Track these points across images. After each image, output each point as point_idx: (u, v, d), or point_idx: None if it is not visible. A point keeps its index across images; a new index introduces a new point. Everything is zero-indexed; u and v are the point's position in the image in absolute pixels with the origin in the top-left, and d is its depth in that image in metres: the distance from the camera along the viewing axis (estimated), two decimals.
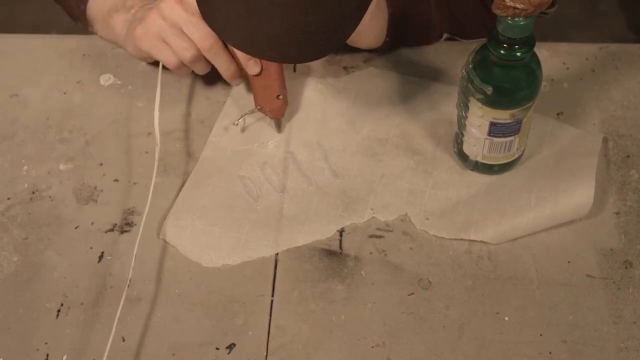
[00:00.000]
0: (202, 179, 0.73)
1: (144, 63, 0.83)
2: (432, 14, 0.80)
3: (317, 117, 0.77)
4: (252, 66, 0.70)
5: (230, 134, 0.76)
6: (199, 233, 0.69)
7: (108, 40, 0.81)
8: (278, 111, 0.74)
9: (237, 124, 0.75)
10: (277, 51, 0.60)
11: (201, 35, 0.68)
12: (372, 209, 0.70)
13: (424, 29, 0.82)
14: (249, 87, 0.76)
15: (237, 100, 0.79)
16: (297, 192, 0.72)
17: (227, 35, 0.63)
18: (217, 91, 0.80)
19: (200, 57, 0.70)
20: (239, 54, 0.70)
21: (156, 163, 0.70)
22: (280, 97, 0.73)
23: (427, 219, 0.69)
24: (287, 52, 0.60)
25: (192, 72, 0.73)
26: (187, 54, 0.69)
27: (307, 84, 0.79)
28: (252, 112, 0.74)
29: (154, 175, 0.69)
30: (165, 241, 0.69)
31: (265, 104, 0.73)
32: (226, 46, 0.70)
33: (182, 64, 0.71)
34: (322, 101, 0.78)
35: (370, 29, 0.76)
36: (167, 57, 0.70)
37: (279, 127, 0.76)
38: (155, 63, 0.75)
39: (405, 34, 0.81)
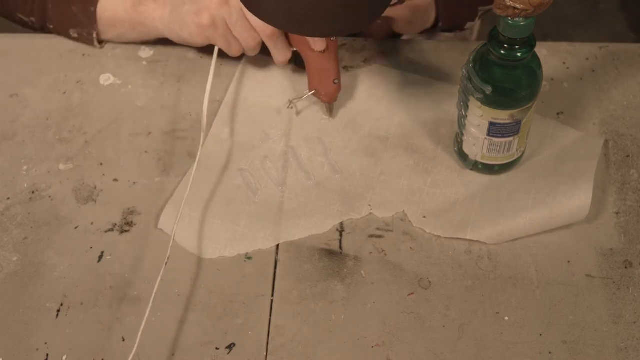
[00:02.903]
0: (202, 171, 0.73)
1: (144, 62, 0.83)
2: None
3: (318, 113, 0.77)
4: (318, 42, 0.70)
5: (232, 128, 0.76)
6: (197, 224, 0.69)
7: (133, 38, 0.81)
8: (333, 95, 0.75)
9: (291, 107, 0.77)
10: (328, 25, 0.60)
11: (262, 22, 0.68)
12: (369, 205, 0.70)
13: (468, 8, 0.83)
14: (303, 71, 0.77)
15: (237, 96, 0.79)
16: (296, 187, 0.72)
17: (272, 17, 0.63)
18: (217, 91, 0.80)
19: (262, 44, 0.71)
20: None
21: (199, 153, 0.72)
22: (337, 81, 0.74)
23: (424, 217, 0.69)
24: (336, 23, 0.60)
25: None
26: (253, 43, 0.71)
27: None
28: (306, 95, 0.75)
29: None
30: (164, 238, 0.68)
31: (320, 88, 0.74)
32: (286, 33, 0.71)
33: (243, 51, 0.72)
34: None
35: (424, 19, 0.76)
36: (232, 47, 0.72)
37: (331, 111, 0.77)
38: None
39: (453, 16, 0.83)
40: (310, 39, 0.70)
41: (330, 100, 0.76)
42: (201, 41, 0.74)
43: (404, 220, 0.69)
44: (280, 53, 0.72)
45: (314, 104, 0.78)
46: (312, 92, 0.75)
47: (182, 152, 0.75)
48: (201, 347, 0.62)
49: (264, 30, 0.69)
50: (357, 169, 0.73)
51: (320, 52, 0.71)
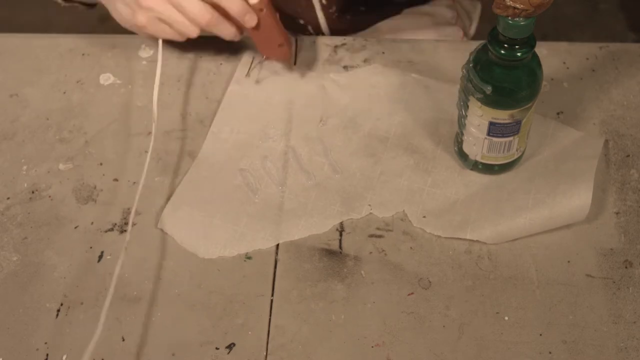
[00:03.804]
0: (202, 171, 0.73)
1: (144, 62, 0.83)
2: None
3: (318, 113, 0.77)
4: (249, 20, 0.72)
5: (231, 128, 0.76)
6: (197, 224, 0.69)
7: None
8: (284, 57, 0.77)
9: (248, 75, 0.78)
10: None
11: (197, 12, 0.69)
12: (369, 205, 0.70)
13: None
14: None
15: (236, 96, 0.79)
16: (296, 187, 0.72)
17: None
18: (217, 91, 0.80)
19: (202, 29, 0.72)
20: (235, 11, 0.71)
21: (150, 149, 0.72)
22: (283, 45, 0.75)
23: (424, 217, 0.69)
24: None
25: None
26: (192, 31, 0.71)
27: (309, 79, 0.80)
28: (260, 62, 0.77)
29: (148, 157, 0.70)
30: (164, 237, 0.68)
31: (270, 54, 0.76)
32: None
33: (187, 38, 0.73)
34: (324, 97, 0.78)
35: None
36: (173, 36, 0.73)
37: (289, 65, 0.79)
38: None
39: None
40: (240, 18, 0.71)
41: (284, 61, 0.78)
42: (146, 36, 0.75)
43: (404, 220, 0.69)
44: (224, 34, 0.73)
45: (312, 104, 0.78)
46: (265, 58, 0.77)
47: (182, 152, 0.75)
48: (201, 347, 0.62)
49: (200, 21, 0.70)
50: (357, 169, 0.73)
51: (256, 19, 0.72)
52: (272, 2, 0.73)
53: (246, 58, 0.81)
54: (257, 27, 0.73)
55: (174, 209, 0.70)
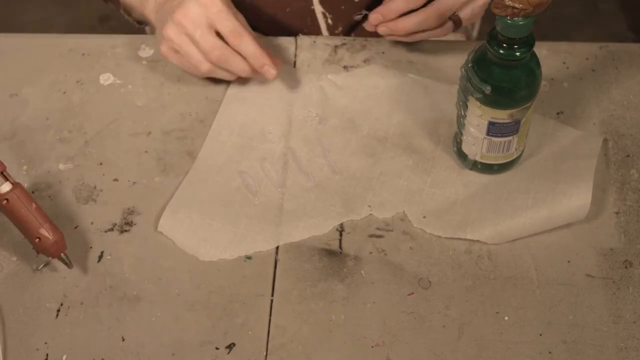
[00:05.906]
0: (202, 173, 0.73)
1: (144, 62, 0.83)
2: None
3: (317, 113, 0.77)
4: (267, 71, 0.73)
5: (230, 130, 0.76)
6: (197, 227, 0.69)
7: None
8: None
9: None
10: None
11: (207, 48, 0.72)
12: (369, 206, 0.70)
13: None
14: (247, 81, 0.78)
15: (236, 98, 0.79)
16: (296, 188, 0.72)
17: None
18: (217, 91, 0.80)
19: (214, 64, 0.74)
20: (251, 58, 0.72)
21: None
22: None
23: (424, 217, 0.69)
24: None
25: None
26: (203, 66, 0.73)
27: (308, 80, 0.79)
28: None
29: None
30: (163, 238, 0.68)
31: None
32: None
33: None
34: (323, 98, 0.78)
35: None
36: (189, 69, 0.76)
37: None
38: None
39: None
40: (258, 68, 0.73)
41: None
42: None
43: (404, 220, 0.69)
44: (235, 69, 0.74)
45: (311, 105, 0.78)
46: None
47: (182, 152, 0.75)
48: (201, 347, 0.62)
49: (210, 56, 0.72)
50: (357, 170, 0.73)
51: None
52: (277, 17, 0.73)
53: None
54: (276, 76, 0.74)
55: (173, 212, 0.70)
